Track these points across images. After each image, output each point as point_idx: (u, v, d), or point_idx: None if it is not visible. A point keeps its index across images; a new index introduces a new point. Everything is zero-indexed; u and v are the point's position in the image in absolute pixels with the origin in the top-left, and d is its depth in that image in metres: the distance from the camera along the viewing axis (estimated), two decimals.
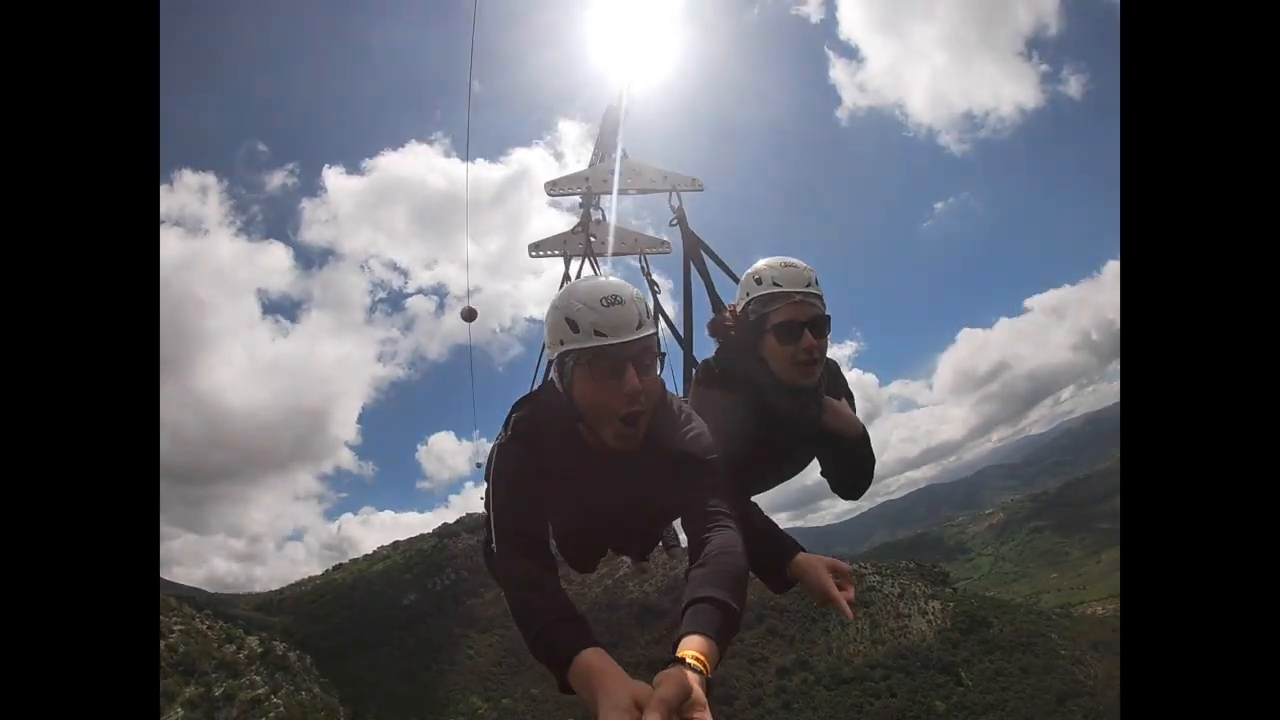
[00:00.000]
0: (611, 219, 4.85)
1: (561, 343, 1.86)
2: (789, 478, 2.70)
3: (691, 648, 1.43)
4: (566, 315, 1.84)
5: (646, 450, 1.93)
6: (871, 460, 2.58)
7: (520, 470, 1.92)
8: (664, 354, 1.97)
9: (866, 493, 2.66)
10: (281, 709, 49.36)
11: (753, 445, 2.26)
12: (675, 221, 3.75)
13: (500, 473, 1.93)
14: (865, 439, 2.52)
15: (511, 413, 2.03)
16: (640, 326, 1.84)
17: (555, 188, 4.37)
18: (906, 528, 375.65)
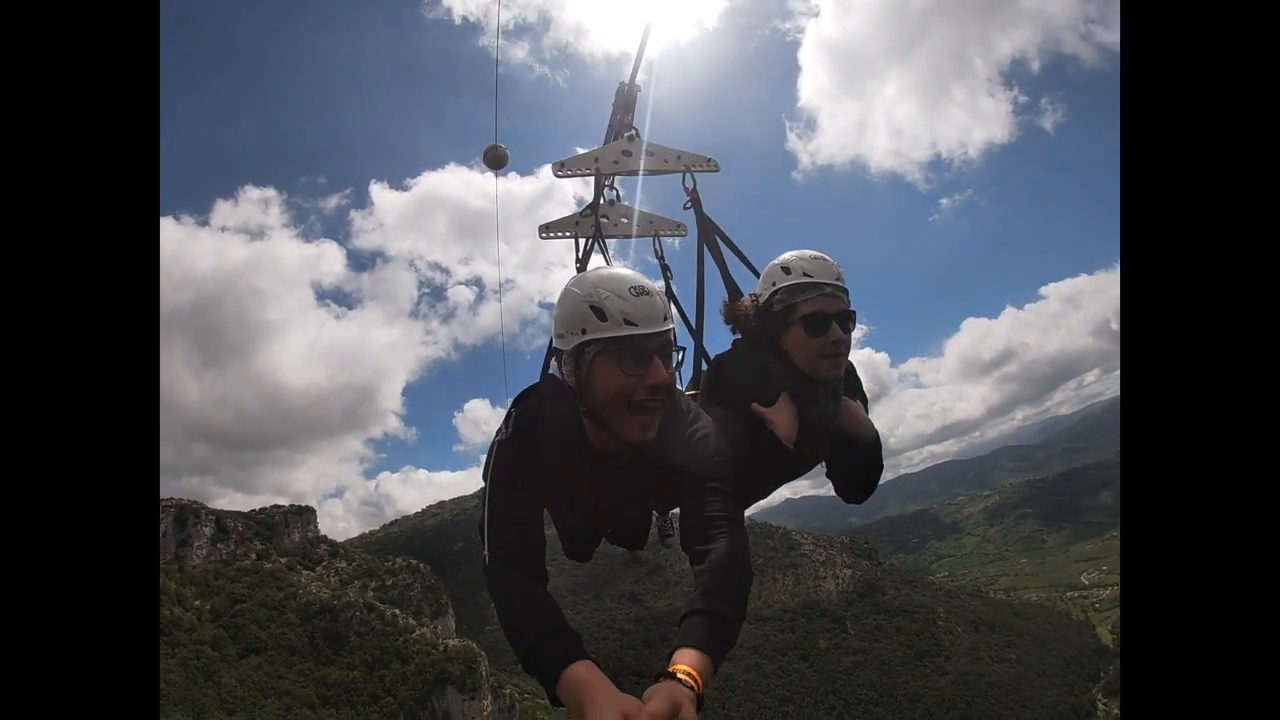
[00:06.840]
0: (631, 201, 4.52)
1: (584, 331, 1.81)
2: (790, 481, 2.66)
3: (684, 662, 1.44)
4: (592, 303, 1.80)
5: (649, 447, 1.89)
6: (880, 466, 2.56)
7: (518, 473, 1.90)
8: (683, 348, 1.93)
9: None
10: (418, 590, 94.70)
11: (759, 460, 2.24)
12: (689, 204, 3.50)
13: (498, 477, 1.91)
14: (878, 444, 2.51)
15: (512, 407, 1.99)
16: (666, 319, 1.82)
17: (563, 169, 4.07)
18: (916, 502, 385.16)
